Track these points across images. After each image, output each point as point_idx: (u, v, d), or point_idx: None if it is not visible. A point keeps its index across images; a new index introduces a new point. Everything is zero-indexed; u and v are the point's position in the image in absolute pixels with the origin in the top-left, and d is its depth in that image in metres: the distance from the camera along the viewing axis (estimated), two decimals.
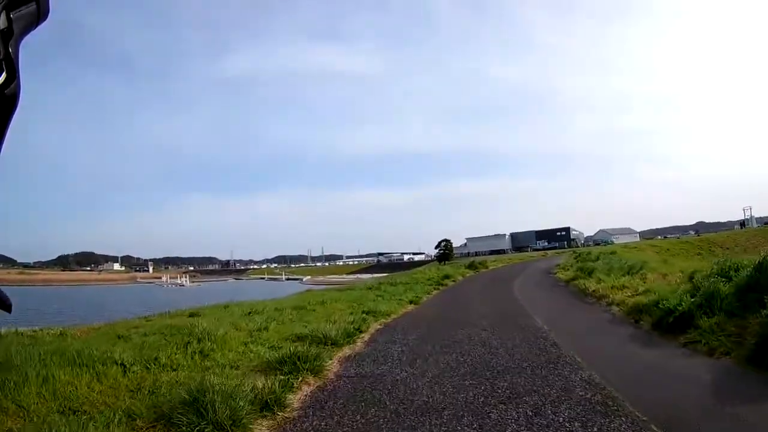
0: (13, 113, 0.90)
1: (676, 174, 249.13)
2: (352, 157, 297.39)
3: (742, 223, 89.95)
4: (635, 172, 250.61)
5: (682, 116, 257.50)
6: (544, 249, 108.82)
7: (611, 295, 12.83)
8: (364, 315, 11.73)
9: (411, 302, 15.94)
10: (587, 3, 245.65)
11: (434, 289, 21.01)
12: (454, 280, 25.32)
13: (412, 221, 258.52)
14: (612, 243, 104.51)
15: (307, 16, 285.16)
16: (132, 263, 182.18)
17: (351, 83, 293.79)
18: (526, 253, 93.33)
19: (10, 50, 0.87)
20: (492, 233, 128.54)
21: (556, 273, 24.55)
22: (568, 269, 24.41)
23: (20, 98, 0.89)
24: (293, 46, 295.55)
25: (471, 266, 33.10)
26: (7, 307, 1.00)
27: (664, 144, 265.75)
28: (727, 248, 59.45)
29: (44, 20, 0.94)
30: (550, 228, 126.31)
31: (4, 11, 0.87)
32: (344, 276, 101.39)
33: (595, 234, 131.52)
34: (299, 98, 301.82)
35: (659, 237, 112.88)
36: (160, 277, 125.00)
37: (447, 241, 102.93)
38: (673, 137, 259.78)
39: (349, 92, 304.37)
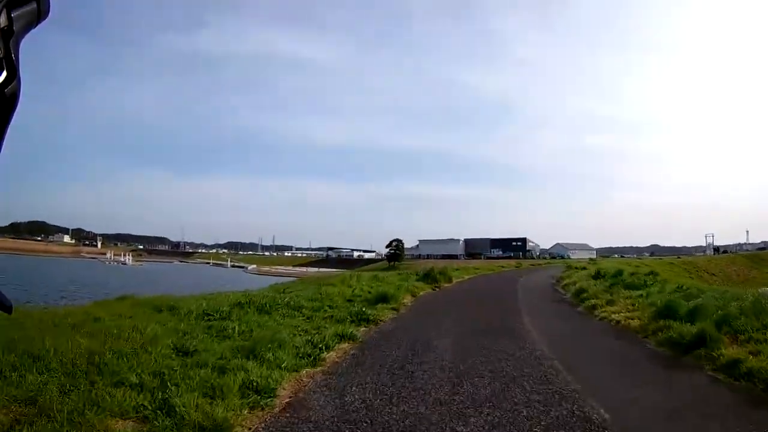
0: (13, 112, 0.89)
1: (636, 196, 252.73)
2: (315, 148, 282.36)
3: (717, 249, 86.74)
4: (595, 191, 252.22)
5: (645, 142, 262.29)
6: (497, 257, 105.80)
7: None
8: None
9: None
10: (565, 22, 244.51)
11: (343, 339, 8.35)
12: (394, 308, 12.99)
13: (367, 219, 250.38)
14: (568, 257, 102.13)
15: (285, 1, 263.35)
16: (82, 236, 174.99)
17: (322, 74, 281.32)
18: (486, 261, 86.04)
19: (11, 49, 0.88)
20: (446, 237, 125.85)
21: (596, 309, 13.01)
22: (614, 303, 12.93)
23: (20, 97, 0.89)
24: (266, 29, 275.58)
25: (427, 277, 20.71)
26: (7, 308, 0.99)
27: (626, 166, 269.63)
28: (713, 274, 54.70)
29: (44, 19, 0.95)
30: (506, 237, 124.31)
31: (4, 10, 0.86)
32: (291, 267, 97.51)
33: (552, 247, 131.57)
34: (270, 83, 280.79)
35: (616, 255, 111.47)
36: (105, 254, 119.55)
37: (398, 241, 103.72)
38: (636, 161, 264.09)
39: (319, 83, 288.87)
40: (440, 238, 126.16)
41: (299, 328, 8.77)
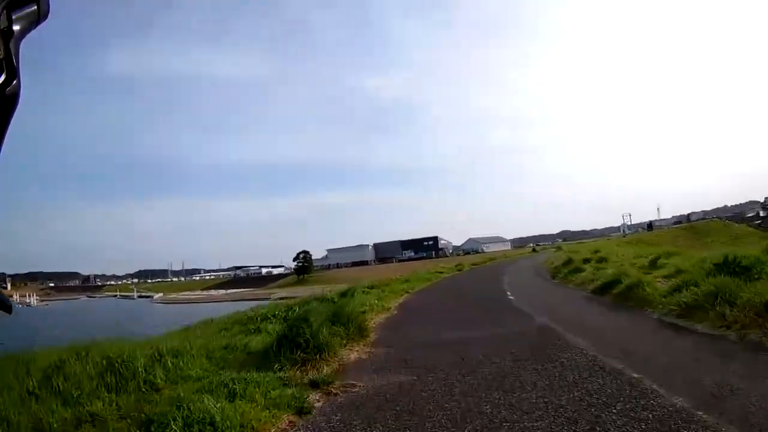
0: (13, 113, 0.90)
1: (541, 185, 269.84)
2: (223, 166, 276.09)
3: (650, 226, 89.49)
4: (504, 185, 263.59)
5: (548, 135, 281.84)
6: (410, 259, 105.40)
7: None
8: None
9: None
10: (464, 22, 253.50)
11: None
12: None
13: (277, 233, 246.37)
14: (482, 251, 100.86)
15: (195, 17, 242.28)
16: None
17: (232, 89, 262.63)
18: (400, 265, 79.93)
19: (11, 50, 0.87)
20: (355, 244, 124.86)
21: None
22: None
23: (20, 98, 0.89)
24: (177, 47, 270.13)
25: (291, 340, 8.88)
26: (7, 308, 0.99)
27: (531, 159, 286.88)
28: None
29: (44, 20, 0.94)
30: (416, 237, 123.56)
31: (4, 11, 0.86)
32: (198, 292, 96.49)
33: (464, 243, 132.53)
34: (175, 101, 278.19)
35: (530, 245, 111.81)
36: (12, 296, 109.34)
37: (306, 252, 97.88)
38: (540, 153, 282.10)
39: (230, 99, 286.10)
40: (349, 246, 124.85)
41: None
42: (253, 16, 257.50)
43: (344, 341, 8.71)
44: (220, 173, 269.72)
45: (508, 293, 14.58)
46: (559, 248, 43.14)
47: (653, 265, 14.00)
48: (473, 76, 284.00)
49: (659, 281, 11.10)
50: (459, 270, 32.32)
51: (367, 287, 19.20)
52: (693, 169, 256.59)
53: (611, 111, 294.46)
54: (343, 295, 15.89)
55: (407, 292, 17.57)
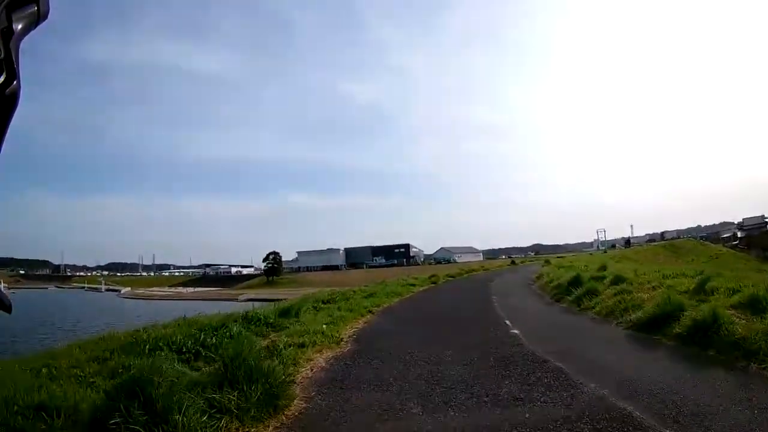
0: (13, 113, 0.90)
1: (517, 197, 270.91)
2: (198, 162, 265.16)
3: (628, 242, 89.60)
4: (477, 194, 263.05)
5: (521, 147, 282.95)
6: (381, 266, 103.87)
7: None
8: None
9: None
10: (442, 30, 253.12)
11: None
12: None
13: (249, 233, 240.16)
14: (454, 261, 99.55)
15: (169, 11, 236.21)
16: None
17: (210, 85, 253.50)
18: (368, 271, 77.87)
19: (11, 50, 0.87)
20: (326, 247, 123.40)
21: None
22: None
23: (20, 98, 0.89)
24: (151, 38, 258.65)
25: None
26: (6, 307, 0.96)
27: (504, 169, 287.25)
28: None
29: (44, 20, 0.94)
30: (388, 244, 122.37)
31: (4, 11, 0.86)
32: (166, 288, 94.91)
33: (436, 251, 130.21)
34: (148, 94, 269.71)
35: (503, 256, 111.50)
36: None
37: (275, 254, 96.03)
38: (512, 166, 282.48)
39: (208, 95, 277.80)
40: (319, 249, 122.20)
41: None
42: (231, 13, 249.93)
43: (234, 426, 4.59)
44: (197, 169, 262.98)
45: (507, 322, 10.54)
46: (547, 261, 39.24)
47: (701, 289, 10.27)
48: (450, 84, 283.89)
49: (732, 314, 7.43)
50: (434, 283, 27.00)
51: (322, 301, 15.01)
52: (665, 189, 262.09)
53: (586, 126, 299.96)
54: (284, 313, 11.70)
55: (370, 312, 13.35)
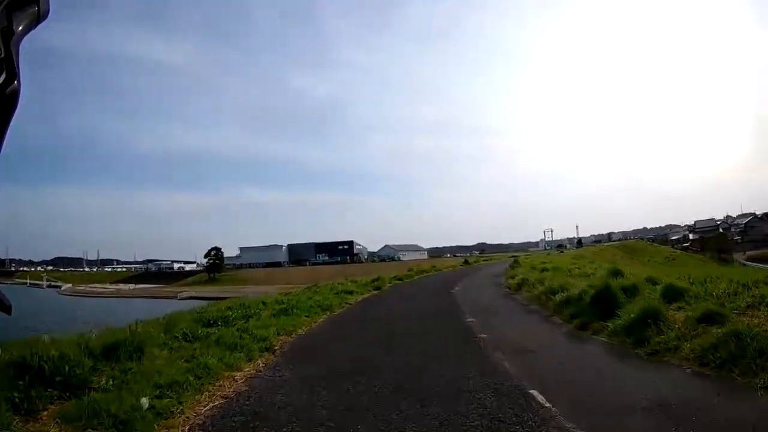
0: (14, 112, 0.89)
1: (463, 196, 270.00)
2: (148, 154, 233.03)
3: (580, 242, 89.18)
4: (422, 192, 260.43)
5: (467, 146, 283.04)
6: (324, 263, 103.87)
7: None
8: None
9: None
10: (399, 24, 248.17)
11: None
12: None
13: (192, 227, 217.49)
14: (399, 259, 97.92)
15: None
16: None
17: (163, 74, 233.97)
18: (311, 268, 75.00)
19: (11, 50, 0.87)
20: (269, 243, 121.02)
21: None
22: None
23: (20, 98, 0.89)
24: (107, 27, 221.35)
25: None
26: (6, 308, 0.97)
27: (452, 168, 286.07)
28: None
29: (44, 20, 0.94)
30: (332, 241, 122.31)
31: (4, 11, 0.86)
32: (108, 285, 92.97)
33: (381, 249, 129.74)
34: (100, 83, 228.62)
35: (447, 255, 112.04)
36: None
37: (217, 249, 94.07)
38: (462, 164, 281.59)
39: (157, 84, 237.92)
40: (262, 245, 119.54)
41: None
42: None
43: None
44: (148, 162, 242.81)
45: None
46: (516, 261, 34.37)
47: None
48: (399, 81, 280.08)
49: None
50: (377, 289, 20.77)
51: (204, 323, 9.82)
52: (611, 191, 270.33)
53: (533, 126, 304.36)
54: (108, 353, 6.58)
55: (267, 350, 8.24)
